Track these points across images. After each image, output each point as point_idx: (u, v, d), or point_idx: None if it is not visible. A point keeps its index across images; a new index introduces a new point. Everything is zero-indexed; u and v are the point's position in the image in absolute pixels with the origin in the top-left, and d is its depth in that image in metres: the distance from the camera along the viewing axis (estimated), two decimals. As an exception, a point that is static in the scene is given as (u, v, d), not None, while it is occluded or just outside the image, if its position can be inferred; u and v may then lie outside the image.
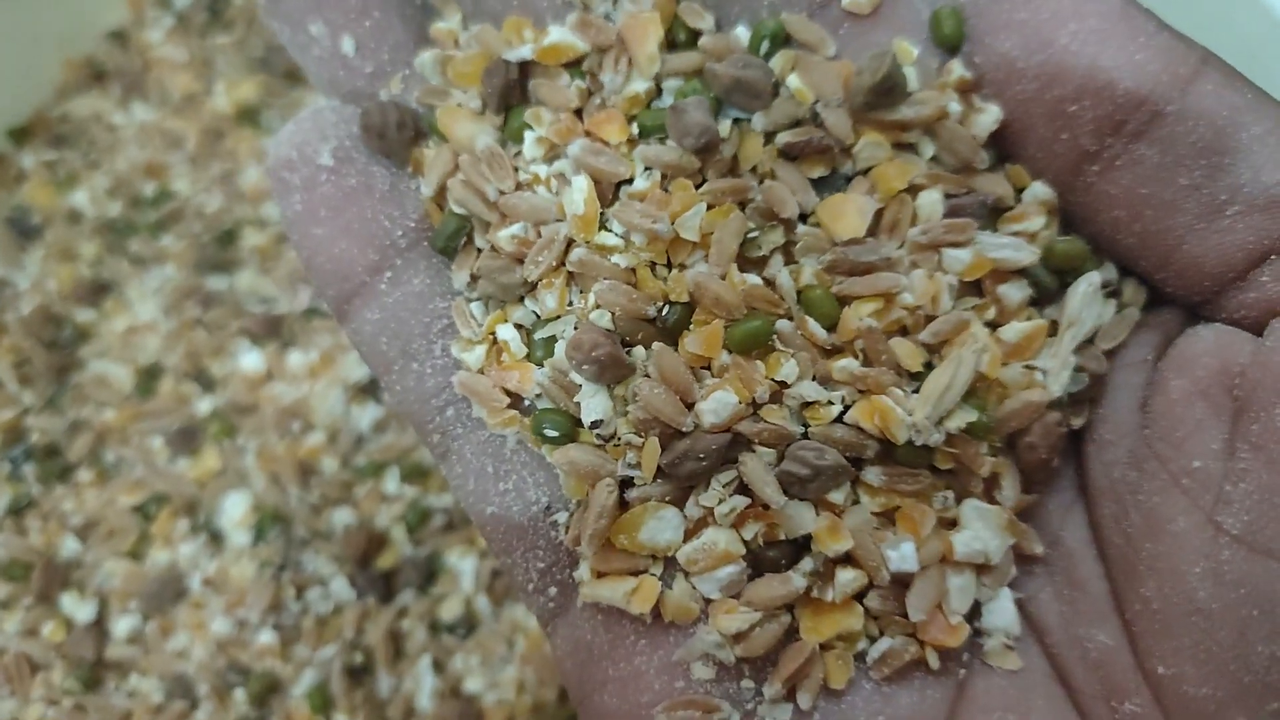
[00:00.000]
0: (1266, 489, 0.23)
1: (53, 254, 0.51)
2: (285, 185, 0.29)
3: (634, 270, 0.27)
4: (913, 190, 0.27)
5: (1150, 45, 0.24)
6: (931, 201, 0.26)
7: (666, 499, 0.26)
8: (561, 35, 0.28)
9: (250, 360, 0.47)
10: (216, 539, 0.44)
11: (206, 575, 0.43)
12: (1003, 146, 0.27)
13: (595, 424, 0.26)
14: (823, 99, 0.27)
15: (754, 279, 0.26)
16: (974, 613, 0.27)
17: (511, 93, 0.29)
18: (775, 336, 0.26)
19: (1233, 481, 0.23)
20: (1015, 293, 0.27)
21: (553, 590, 0.28)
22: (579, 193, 0.27)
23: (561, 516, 0.27)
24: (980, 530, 0.26)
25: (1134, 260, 0.27)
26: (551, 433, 0.27)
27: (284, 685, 0.41)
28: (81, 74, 0.56)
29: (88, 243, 0.51)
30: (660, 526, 0.26)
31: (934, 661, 0.26)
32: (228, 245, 0.51)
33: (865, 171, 0.27)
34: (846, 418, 0.26)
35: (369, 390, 0.47)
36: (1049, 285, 0.27)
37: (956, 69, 0.26)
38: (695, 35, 0.29)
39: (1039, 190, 0.27)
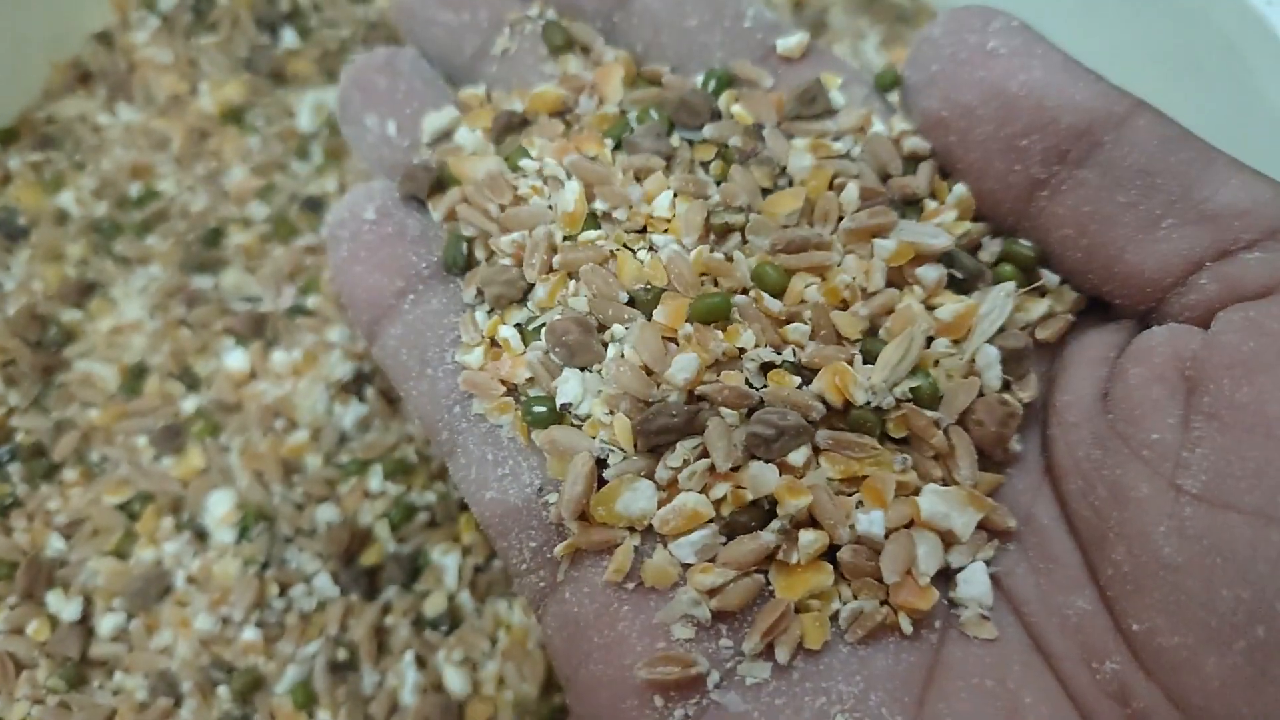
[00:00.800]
0: (1221, 450, 0.25)
1: (39, 255, 0.51)
2: (337, 239, 0.35)
3: (615, 255, 0.31)
4: (837, 189, 0.32)
5: (1089, 90, 0.29)
6: (850, 192, 0.32)
7: (642, 473, 0.29)
8: (546, 88, 0.36)
9: (234, 359, 0.48)
10: (201, 537, 0.44)
11: (191, 573, 0.43)
12: (966, 180, 0.32)
13: (565, 406, 0.29)
14: (759, 121, 0.34)
15: (717, 255, 0.30)
16: (949, 584, 0.29)
17: (513, 128, 0.36)
18: (734, 310, 0.30)
19: (1189, 448, 0.26)
20: (932, 273, 0.30)
21: (543, 571, 0.29)
22: (571, 192, 0.32)
23: (552, 497, 0.30)
24: (940, 502, 0.29)
25: (1083, 273, 0.30)
26: (539, 409, 0.30)
27: (268, 682, 0.41)
28: (67, 76, 0.56)
29: (74, 243, 0.51)
30: (635, 497, 0.28)
31: (906, 626, 0.28)
32: (213, 245, 0.51)
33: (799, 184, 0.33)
34: (808, 387, 0.29)
35: (352, 388, 0.47)
36: (974, 269, 0.31)
37: (898, 124, 0.33)
38: (654, 83, 0.36)
39: (958, 190, 0.32)
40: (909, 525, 0.29)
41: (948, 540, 0.29)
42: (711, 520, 0.28)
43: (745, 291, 0.30)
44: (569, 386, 0.30)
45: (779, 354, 0.29)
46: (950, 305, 0.30)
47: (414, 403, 0.33)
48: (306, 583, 0.43)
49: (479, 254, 0.34)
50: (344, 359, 0.48)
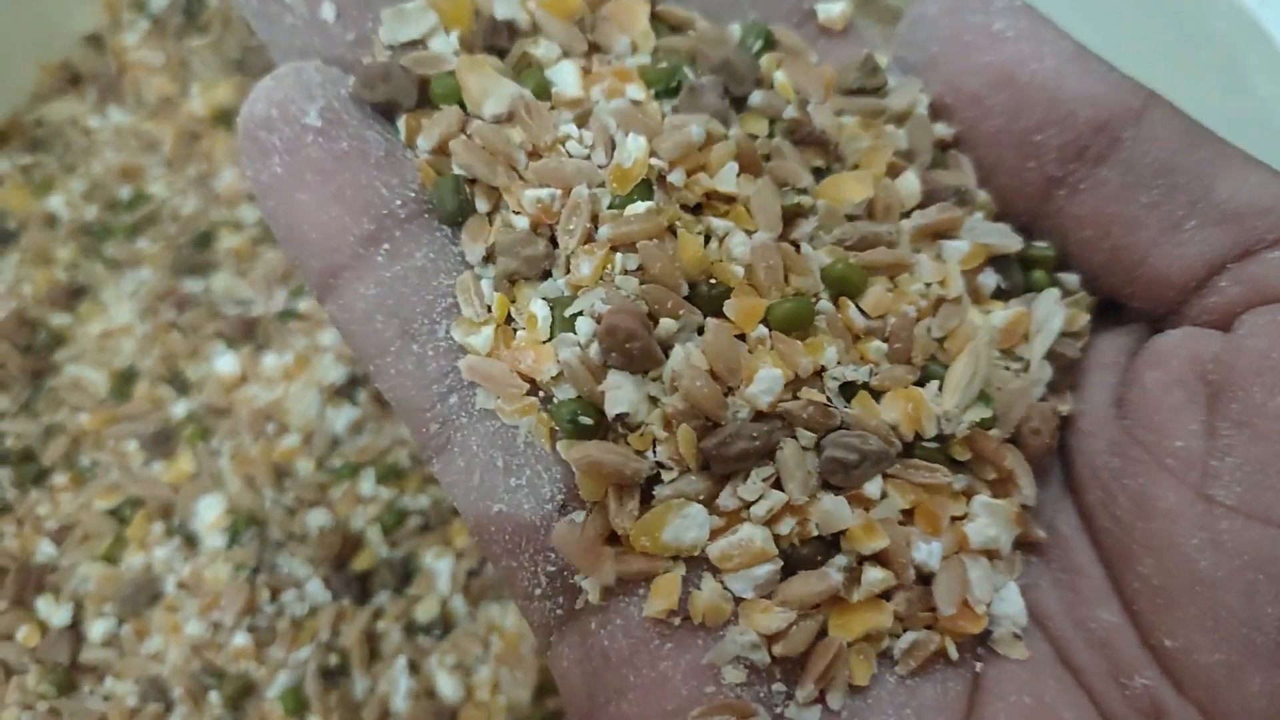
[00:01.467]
0: (1257, 460, 0.24)
1: (28, 258, 0.51)
2: (262, 147, 0.26)
3: (672, 231, 0.26)
4: (891, 173, 0.29)
5: (1104, 80, 0.27)
6: (910, 182, 0.29)
7: (700, 496, 0.25)
8: None
9: (225, 363, 0.47)
10: (191, 542, 0.44)
11: (181, 578, 0.43)
12: (977, 176, 0.30)
13: (619, 416, 0.25)
14: (805, 96, 0.29)
15: (806, 248, 0.27)
16: None
17: (499, 34, 0.28)
18: (822, 319, 0.26)
19: (1218, 457, 0.25)
20: (991, 279, 0.29)
21: (561, 599, 0.26)
22: (635, 147, 0.26)
23: (579, 516, 0.25)
24: (989, 523, 0.27)
25: (1103, 276, 0.29)
26: (584, 420, 0.25)
27: (259, 687, 0.41)
28: (57, 78, 0.56)
29: (64, 246, 0.51)
30: (685, 525, 0.25)
31: (953, 652, 0.26)
32: (203, 248, 0.51)
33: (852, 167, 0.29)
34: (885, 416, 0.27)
35: (344, 392, 0.47)
36: (1017, 280, 0.29)
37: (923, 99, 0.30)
38: (678, 30, 0.30)
39: (981, 194, 0.29)
40: (958, 550, 0.27)
41: (992, 558, 0.27)
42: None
43: (816, 295, 0.27)
44: (622, 394, 0.24)
45: (858, 372, 0.26)
46: (1001, 312, 0.28)
47: (389, 383, 0.26)
48: (298, 588, 0.43)
49: (478, 203, 0.27)
50: (336, 362, 0.47)
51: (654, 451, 0.25)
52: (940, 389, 0.27)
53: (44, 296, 0.49)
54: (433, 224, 0.27)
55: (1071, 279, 0.29)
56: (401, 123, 0.28)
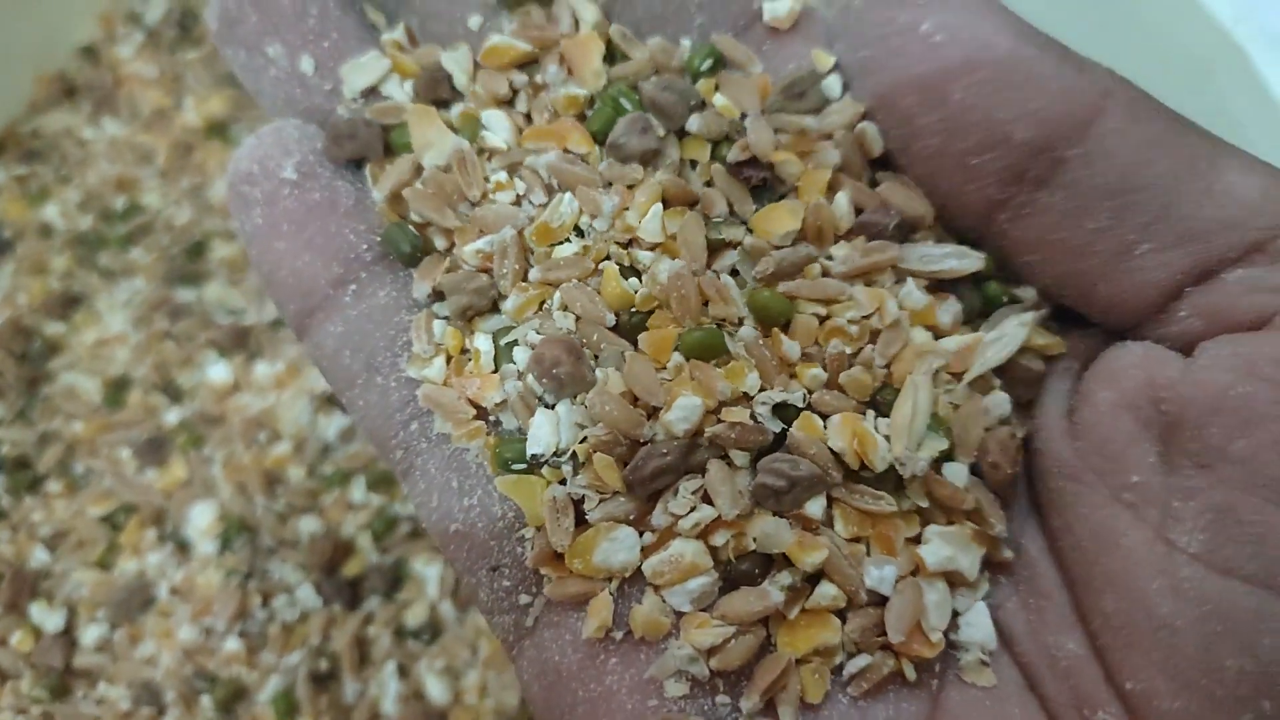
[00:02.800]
0: (1220, 509, 0.23)
1: (24, 267, 0.51)
2: (245, 200, 0.29)
3: (599, 270, 0.27)
4: (832, 190, 0.28)
5: (1046, 90, 0.24)
6: (842, 204, 0.27)
7: (629, 517, 0.26)
8: (502, 39, 0.30)
9: (217, 371, 0.48)
10: (184, 548, 0.45)
11: (174, 584, 0.44)
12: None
13: (535, 457, 0.26)
14: (740, 121, 0.29)
15: (713, 276, 0.27)
16: (950, 625, 0.27)
17: (439, 86, 0.30)
18: (741, 346, 0.26)
19: (1180, 499, 0.24)
20: (950, 310, 0.27)
21: (517, 615, 0.27)
22: (568, 208, 0.27)
23: (529, 532, 0.26)
24: (945, 546, 0.26)
25: (1055, 297, 0.27)
26: (515, 461, 0.26)
27: (250, 692, 0.42)
28: (53, 89, 0.57)
29: (58, 256, 0.52)
30: (614, 548, 0.26)
31: (910, 674, 0.26)
32: (196, 258, 0.51)
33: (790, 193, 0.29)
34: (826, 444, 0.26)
35: (335, 400, 0.48)
36: (974, 302, 0.28)
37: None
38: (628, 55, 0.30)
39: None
40: (915, 572, 0.26)
41: (954, 582, 0.27)
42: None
43: (741, 322, 0.27)
44: (541, 434, 0.26)
45: (789, 395, 0.26)
46: (956, 338, 0.27)
47: (359, 413, 0.29)
48: (289, 593, 0.44)
49: (436, 241, 0.29)
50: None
51: (575, 481, 0.26)
52: (887, 420, 0.26)
53: (39, 305, 0.50)
54: (395, 265, 0.29)
55: (1028, 292, 0.28)
56: (368, 171, 0.30)
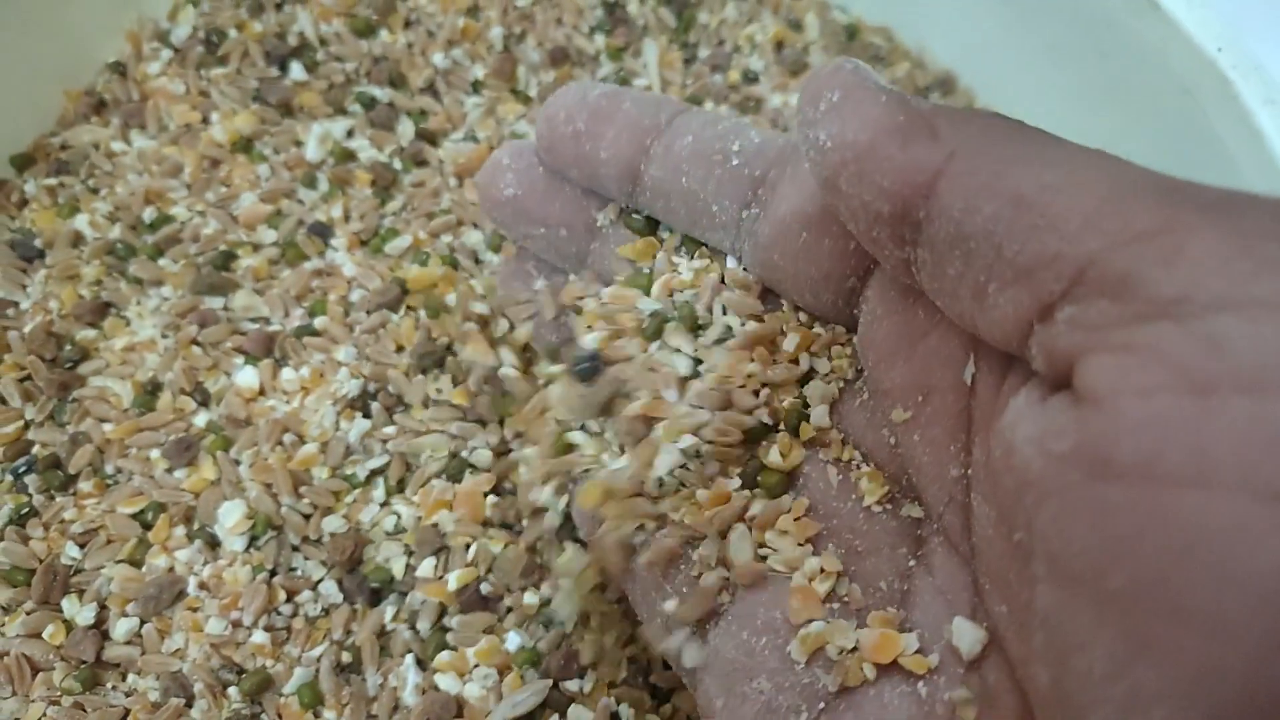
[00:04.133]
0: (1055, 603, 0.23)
1: (55, 275, 0.53)
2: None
3: None
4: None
5: (894, 167, 0.26)
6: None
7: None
8: None
9: (245, 376, 0.50)
10: (212, 545, 0.46)
11: (202, 579, 0.45)
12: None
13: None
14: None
15: None
16: None
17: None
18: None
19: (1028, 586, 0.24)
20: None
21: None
22: None
23: None
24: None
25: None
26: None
27: (276, 683, 0.43)
28: (82, 104, 0.58)
29: (89, 265, 0.53)
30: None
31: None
32: (223, 268, 0.53)
33: None
34: None
35: (358, 404, 0.50)
36: None
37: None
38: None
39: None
40: None
41: None
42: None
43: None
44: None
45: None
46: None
47: None
48: (313, 589, 0.45)
49: None
50: (350, 377, 0.50)
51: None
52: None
53: (70, 312, 0.52)
54: None
55: None
56: None
